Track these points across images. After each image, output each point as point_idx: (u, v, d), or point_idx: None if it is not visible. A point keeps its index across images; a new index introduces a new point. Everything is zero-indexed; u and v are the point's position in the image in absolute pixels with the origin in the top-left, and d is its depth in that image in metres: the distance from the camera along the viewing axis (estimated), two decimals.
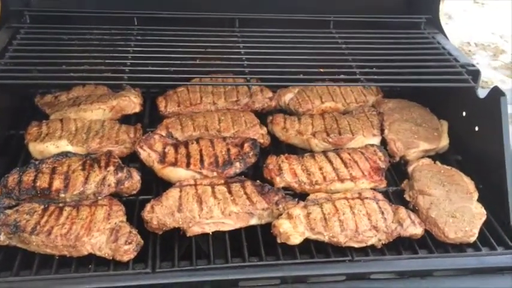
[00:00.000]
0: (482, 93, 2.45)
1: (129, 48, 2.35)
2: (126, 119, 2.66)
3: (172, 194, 2.05)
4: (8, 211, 1.92)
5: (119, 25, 2.53)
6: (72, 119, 2.45)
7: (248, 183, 2.14)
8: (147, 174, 2.26)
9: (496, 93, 2.27)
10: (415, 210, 2.19)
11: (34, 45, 2.29)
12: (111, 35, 2.44)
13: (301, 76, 2.39)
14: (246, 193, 2.08)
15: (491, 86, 2.38)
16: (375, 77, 2.31)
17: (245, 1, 2.70)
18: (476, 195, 2.24)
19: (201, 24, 2.62)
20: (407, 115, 2.77)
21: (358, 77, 2.32)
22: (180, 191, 2.06)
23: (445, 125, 2.71)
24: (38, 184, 2.02)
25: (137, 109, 2.69)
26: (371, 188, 2.27)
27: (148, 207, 1.98)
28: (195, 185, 2.10)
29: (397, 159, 2.54)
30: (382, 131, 2.67)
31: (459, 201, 2.17)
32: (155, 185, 2.24)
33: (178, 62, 2.26)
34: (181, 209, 1.98)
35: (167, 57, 2.27)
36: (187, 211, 1.98)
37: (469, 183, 2.29)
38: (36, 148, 2.27)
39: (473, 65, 2.47)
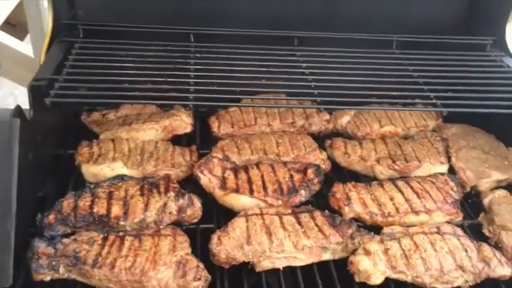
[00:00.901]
0: None
1: (189, 66, 2.22)
2: (176, 140, 2.53)
3: (239, 224, 1.89)
4: (66, 240, 1.78)
5: (174, 41, 2.41)
6: (125, 139, 2.31)
7: (318, 214, 1.98)
8: (205, 201, 2.11)
9: None
10: (497, 247, 2.01)
11: (91, 61, 2.16)
12: (168, 51, 2.31)
13: (370, 99, 2.23)
14: (316, 225, 1.92)
15: None
16: (452, 101, 2.15)
17: (304, 19, 2.58)
18: None
19: (259, 42, 2.49)
20: (473, 142, 2.61)
21: (434, 101, 2.17)
22: (247, 221, 1.91)
23: None
24: (95, 210, 1.88)
25: (188, 129, 2.55)
26: (445, 223, 2.11)
27: (215, 238, 1.83)
28: (261, 214, 1.95)
29: (468, 189, 2.37)
30: (448, 158, 2.51)
31: None
32: (215, 212, 2.09)
33: (243, 81, 2.13)
34: (250, 241, 1.82)
35: (231, 77, 2.14)
36: (256, 244, 1.82)
37: None
38: (90, 170, 2.13)
39: None
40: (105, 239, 1.79)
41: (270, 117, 2.61)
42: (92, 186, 2.00)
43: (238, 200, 2.04)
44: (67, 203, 1.91)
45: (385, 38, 2.64)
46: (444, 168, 2.43)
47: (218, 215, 2.07)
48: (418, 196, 2.15)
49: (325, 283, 1.82)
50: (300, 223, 1.92)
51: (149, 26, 2.45)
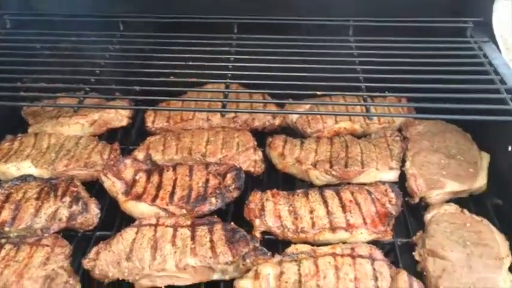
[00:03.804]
0: None
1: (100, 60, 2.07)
2: (112, 134, 2.44)
3: (127, 236, 1.77)
4: None
5: (103, 31, 2.27)
6: (47, 135, 2.25)
7: (218, 227, 1.81)
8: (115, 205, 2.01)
9: None
10: (423, 275, 1.74)
11: None
12: (89, 43, 2.18)
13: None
14: (211, 240, 1.75)
15: None
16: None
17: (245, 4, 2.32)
18: (508, 261, 1.74)
19: (195, 29, 2.27)
20: (440, 143, 2.27)
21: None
22: (137, 232, 1.78)
23: (485, 159, 2.19)
24: None
25: (124, 123, 2.44)
26: (372, 241, 1.85)
27: (92, 253, 1.72)
28: (156, 225, 1.81)
29: (417, 200, 2.07)
30: (403, 162, 2.20)
31: (482, 270, 1.69)
32: (119, 219, 1.97)
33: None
34: (130, 256, 1.70)
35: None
36: (136, 260, 1.69)
37: (501, 244, 1.79)
38: None
39: None
40: None
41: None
42: None
43: (137, 208, 1.91)
44: None
45: (340, 23, 2.31)
46: (393, 175, 2.14)
47: (122, 222, 1.96)
48: (343, 209, 1.90)
49: None
50: (194, 237, 1.76)
51: (71, 15, 2.32)
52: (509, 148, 2.04)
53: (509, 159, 2.05)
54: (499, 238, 1.81)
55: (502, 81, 1.99)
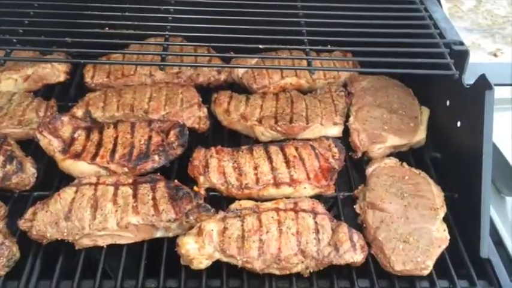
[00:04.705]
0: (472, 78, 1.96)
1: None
2: (49, 89, 2.31)
3: (65, 195, 1.71)
4: None
5: None
6: None
7: (161, 185, 1.78)
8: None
9: (481, 86, 1.77)
10: (363, 227, 1.80)
11: None
12: None
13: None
14: (154, 198, 1.73)
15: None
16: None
17: None
18: (442, 212, 1.82)
19: None
20: (382, 98, 2.30)
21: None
22: (76, 192, 1.72)
23: (425, 114, 2.25)
24: None
25: (61, 78, 2.32)
26: (316, 195, 1.89)
27: (28, 213, 1.66)
28: (96, 184, 1.75)
29: (359, 155, 2.11)
30: (347, 117, 2.23)
31: (418, 220, 1.76)
32: (58, 178, 1.90)
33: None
34: (69, 216, 1.65)
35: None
36: (76, 220, 1.65)
37: (436, 195, 1.86)
38: None
39: (461, 43, 1.95)
40: None
41: (153, 66, 2.33)
42: None
43: (76, 167, 1.85)
44: None
45: None
46: (337, 130, 2.16)
47: (61, 181, 1.89)
48: (287, 165, 1.91)
49: (155, 263, 1.66)
50: (136, 195, 1.73)
51: None
52: (448, 103, 2.10)
53: (447, 114, 2.11)
54: (435, 189, 1.89)
55: (441, 35, 2.02)
